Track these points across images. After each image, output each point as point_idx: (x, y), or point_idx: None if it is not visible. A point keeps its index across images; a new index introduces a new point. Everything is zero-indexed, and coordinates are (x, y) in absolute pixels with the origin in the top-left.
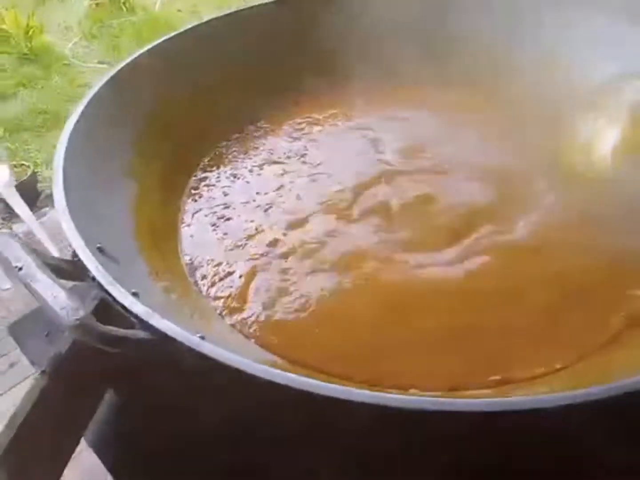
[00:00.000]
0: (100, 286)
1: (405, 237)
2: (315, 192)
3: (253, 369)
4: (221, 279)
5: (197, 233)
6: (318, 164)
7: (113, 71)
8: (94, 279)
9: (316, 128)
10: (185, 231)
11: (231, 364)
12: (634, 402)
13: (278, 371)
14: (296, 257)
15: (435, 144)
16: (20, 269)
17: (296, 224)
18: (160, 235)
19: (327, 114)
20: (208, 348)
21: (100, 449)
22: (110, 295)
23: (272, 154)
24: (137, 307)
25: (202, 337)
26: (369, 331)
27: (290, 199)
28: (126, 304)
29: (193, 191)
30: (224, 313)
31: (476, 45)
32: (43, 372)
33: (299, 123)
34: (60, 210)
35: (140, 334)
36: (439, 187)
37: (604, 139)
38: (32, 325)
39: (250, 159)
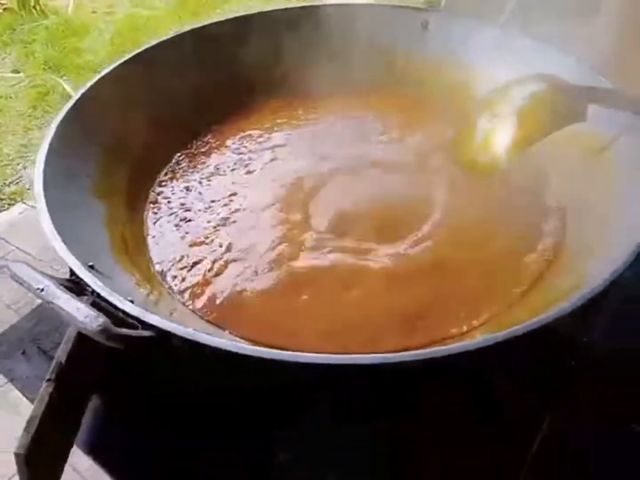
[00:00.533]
0: (101, 297)
1: (346, 233)
2: (263, 196)
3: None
4: (186, 276)
5: (162, 241)
6: (260, 173)
7: (74, 99)
8: (93, 292)
9: (252, 142)
10: (151, 241)
11: (222, 346)
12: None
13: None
14: (249, 253)
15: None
16: (42, 290)
17: (247, 226)
18: (132, 249)
19: (260, 128)
20: (200, 337)
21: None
22: (111, 304)
23: (218, 167)
24: (136, 311)
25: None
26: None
27: (241, 204)
28: (127, 310)
29: (152, 205)
30: (190, 305)
31: (379, 56)
32: (49, 380)
33: (240, 138)
34: (50, 234)
35: (144, 332)
36: (363, 186)
37: (497, 137)
38: (4, 345)
39: (199, 172)
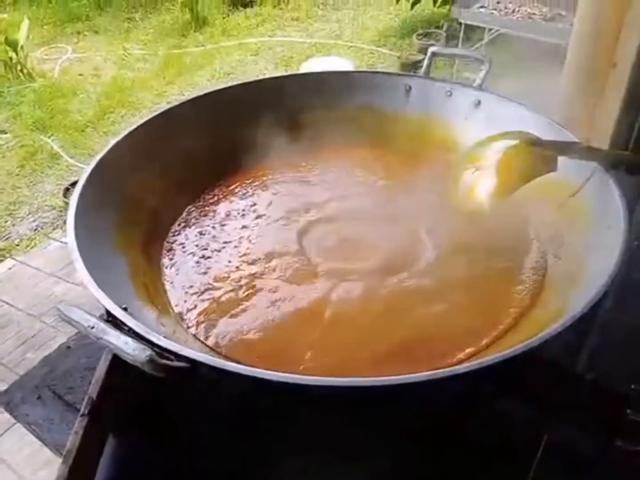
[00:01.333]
0: (138, 335)
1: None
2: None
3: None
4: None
5: (177, 284)
6: (265, 215)
7: (93, 163)
8: (129, 330)
9: (257, 190)
10: (168, 286)
11: (254, 374)
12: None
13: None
14: (265, 287)
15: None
16: (93, 327)
17: (259, 263)
18: (153, 294)
19: (260, 179)
20: (231, 366)
21: None
22: (148, 341)
23: (228, 213)
24: (174, 346)
25: None
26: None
27: (252, 244)
28: (163, 345)
29: (168, 253)
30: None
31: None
32: (83, 415)
33: (245, 186)
34: (88, 284)
35: (180, 363)
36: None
37: (480, 186)
38: (20, 392)
39: (211, 219)
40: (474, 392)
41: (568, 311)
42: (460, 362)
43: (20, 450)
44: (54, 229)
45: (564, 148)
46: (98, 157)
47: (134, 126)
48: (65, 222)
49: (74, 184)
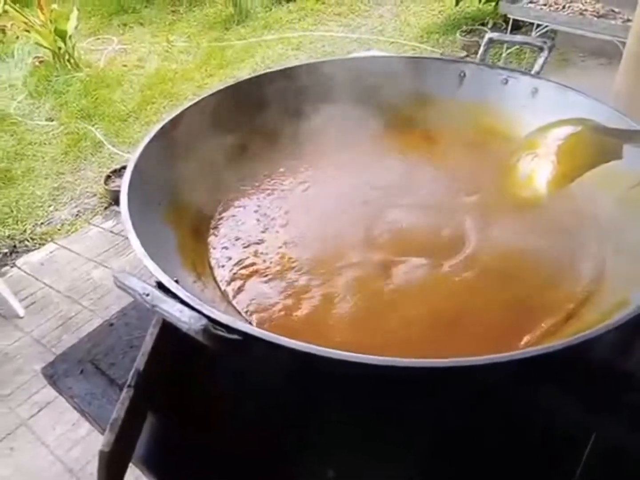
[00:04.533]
0: (192, 307)
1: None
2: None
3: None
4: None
5: (225, 263)
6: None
7: (148, 138)
8: (182, 301)
9: (309, 173)
10: (215, 263)
11: (300, 348)
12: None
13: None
14: (313, 269)
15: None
16: (148, 295)
17: (308, 245)
18: (200, 271)
19: (311, 163)
20: (281, 340)
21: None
22: (202, 313)
23: (259, 206)
24: (227, 319)
25: None
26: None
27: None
28: (216, 317)
29: (214, 231)
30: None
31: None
32: (129, 386)
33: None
34: (140, 254)
35: (235, 336)
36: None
37: (538, 174)
38: (64, 365)
39: (259, 201)
40: (529, 380)
41: (630, 303)
42: (516, 348)
43: (54, 429)
44: (94, 215)
45: (630, 135)
46: (153, 132)
47: (196, 100)
48: (105, 208)
49: (115, 171)
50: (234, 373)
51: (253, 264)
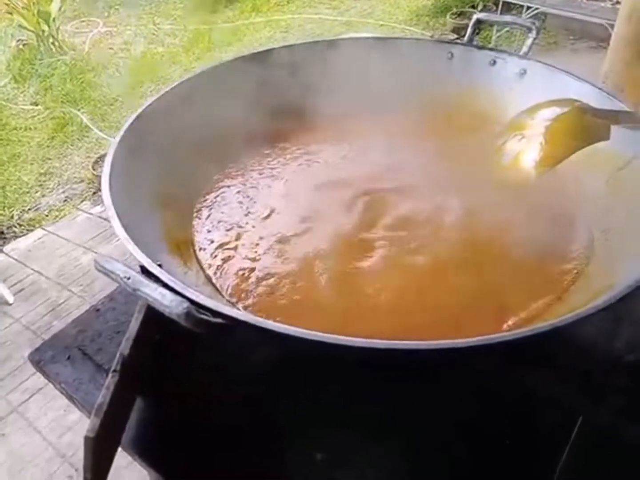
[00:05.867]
0: (175, 291)
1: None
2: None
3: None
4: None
5: (209, 247)
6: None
7: (132, 118)
8: (165, 285)
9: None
10: (200, 247)
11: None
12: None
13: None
14: (283, 253)
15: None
16: (129, 278)
17: (297, 227)
18: (185, 255)
19: (302, 145)
20: (266, 324)
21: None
22: (186, 297)
23: (266, 179)
24: (209, 302)
25: None
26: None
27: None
28: (201, 301)
29: (198, 214)
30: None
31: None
32: (115, 371)
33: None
34: (122, 237)
35: (219, 320)
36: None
37: (526, 155)
38: (51, 351)
39: (246, 184)
40: (516, 362)
41: (617, 286)
42: (503, 331)
43: (46, 415)
44: (82, 200)
45: (618, 116)
46: (136, 112)
47: (178, 82)
48: (94, 194)
49: (103, 156)
50: (222, 357)
51: (237, 247)
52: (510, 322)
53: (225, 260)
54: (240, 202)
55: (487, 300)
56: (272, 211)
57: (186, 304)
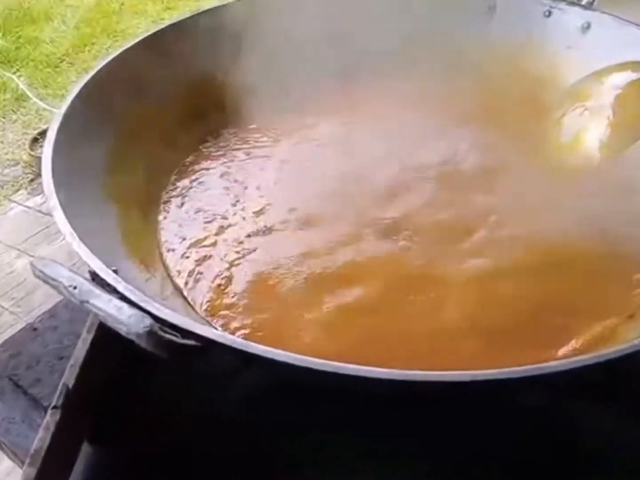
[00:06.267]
0: (131, 302)
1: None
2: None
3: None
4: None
5: (179, 248)
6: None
7: (80, 85)
8: (122, 296)
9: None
10: (166, 248)
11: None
12: None
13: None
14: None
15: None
16: (75, 287)
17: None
18: (148, 258)
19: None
20: (255, 348)
21: None
22: (145, 310)
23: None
24: (178, 318)
25: None
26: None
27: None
28: (167, 318)
29: (165, 206)
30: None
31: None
32: (55, 407)
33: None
34: (67, 234)
35: (189, 341)
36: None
37: (589, 133)
38: None
39: (222, 168)
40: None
41: None
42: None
43: None
44: (17, 189)
45: None
46: (87, 76)
47: (140, 37)
48: (32, 180)
49: (43, 132)
50: (196, 389)
51: (215, 243)
52: (568, 348)
53: (199, 262)
54: (225, 188)
55: (544, 317)
56: (263, 200)
57: (148, 321)
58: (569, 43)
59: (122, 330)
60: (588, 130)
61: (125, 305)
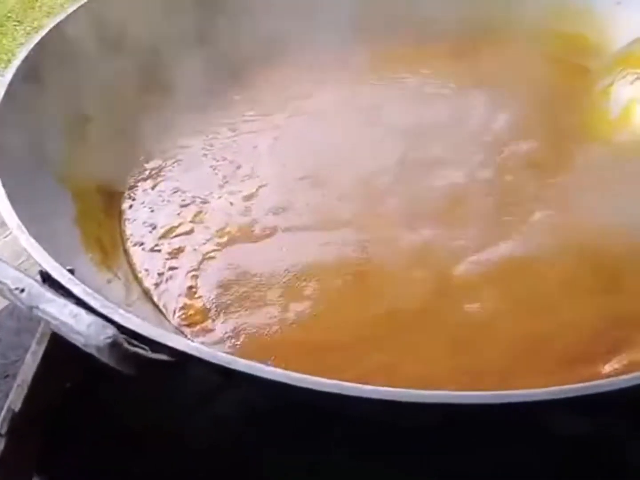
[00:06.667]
0: (90, 309)
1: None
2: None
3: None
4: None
5: (147, 242)
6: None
7: (24, 52)
8: (78, 301)
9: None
10: (132, 243)
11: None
12: None
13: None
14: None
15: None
16: (22, 290)
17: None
18: (111, 255)
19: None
20: (238, 364)
21: None
22: (106, 317)
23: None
24: (147, 327)
25: None
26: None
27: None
28: (133, 327)
29: (132, 194)
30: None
31: None
32: (0, 435)
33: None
34: (13, 226)
35: (160, 356)
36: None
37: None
38: None
39: (200, 152)
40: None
41: None
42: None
43: None
44: None
45: None
46: (36, 37)
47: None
48: None
49: None
50: (170, 408)
51: (190, 231)
52: (612, 366)
53: (171, 257)
54: (212, 167)
55: (578, 334)
56: (249, 181)
57: (111, 331)
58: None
59: (80, 341)
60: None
61: (82, 312)
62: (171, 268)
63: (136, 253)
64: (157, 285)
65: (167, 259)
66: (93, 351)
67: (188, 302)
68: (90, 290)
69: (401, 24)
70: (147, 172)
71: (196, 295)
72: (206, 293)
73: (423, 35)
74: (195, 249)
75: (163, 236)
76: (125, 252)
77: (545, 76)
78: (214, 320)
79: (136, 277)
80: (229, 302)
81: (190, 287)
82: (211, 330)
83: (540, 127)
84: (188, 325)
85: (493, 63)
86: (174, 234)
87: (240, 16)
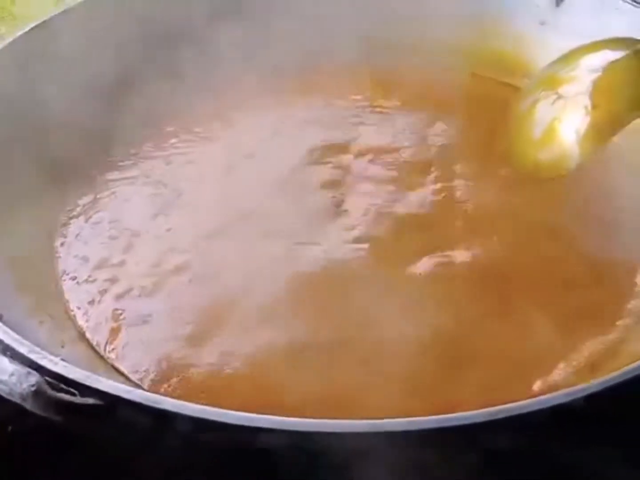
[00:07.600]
0: (19, 355)
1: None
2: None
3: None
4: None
5: (82, 276)
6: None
7: None
8: (4, 346)
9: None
10: (68, 278)
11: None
12: None
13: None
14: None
15: None
16: None
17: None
18: (43, 290)
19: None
20: (169, 403)
21: None
22: (31, 363)
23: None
24: (74, 371)
25: None
26: None
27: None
28: (59, 371)
29: (68, 221)
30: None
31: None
32: None
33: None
34: None
35: (89, 400)
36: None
37: (563, 125)
38: None
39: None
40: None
41: None
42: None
43: None
44: None
45: None
46: None
47: None
48: None
49: None
50: (107, 458)
51: (123, 264)
52: (549, 381)
53: (103, 291)
54: (154, 195)
55: (514, 350)
56: (189, 210)
57: (34, 378)
58: (542, 18)
59: (4, 390)
60: (563, 121)
61: (5, 360)
62: (99, 303)
63: (70, 289)
64: (88, 321)
65: (99, 292)
66: (17, 400)
67: (120, 337)
68: (17, 336)
69: (321, 53)
70: (79, 208)
71: (124, 331)
72: (144, 329)
73: (339, 63)
74: (126, 281)
75: (96, 267)
76: (60, 290)
77: (464, 97)
78: (144, 357)
79: (69, 316)
80: (162, 335)
81: (118, 322)
82: (144, 369)
83: (464, 152)
84: (123, 364)
85: (418, 85)
86: (106, 265)
87: None
